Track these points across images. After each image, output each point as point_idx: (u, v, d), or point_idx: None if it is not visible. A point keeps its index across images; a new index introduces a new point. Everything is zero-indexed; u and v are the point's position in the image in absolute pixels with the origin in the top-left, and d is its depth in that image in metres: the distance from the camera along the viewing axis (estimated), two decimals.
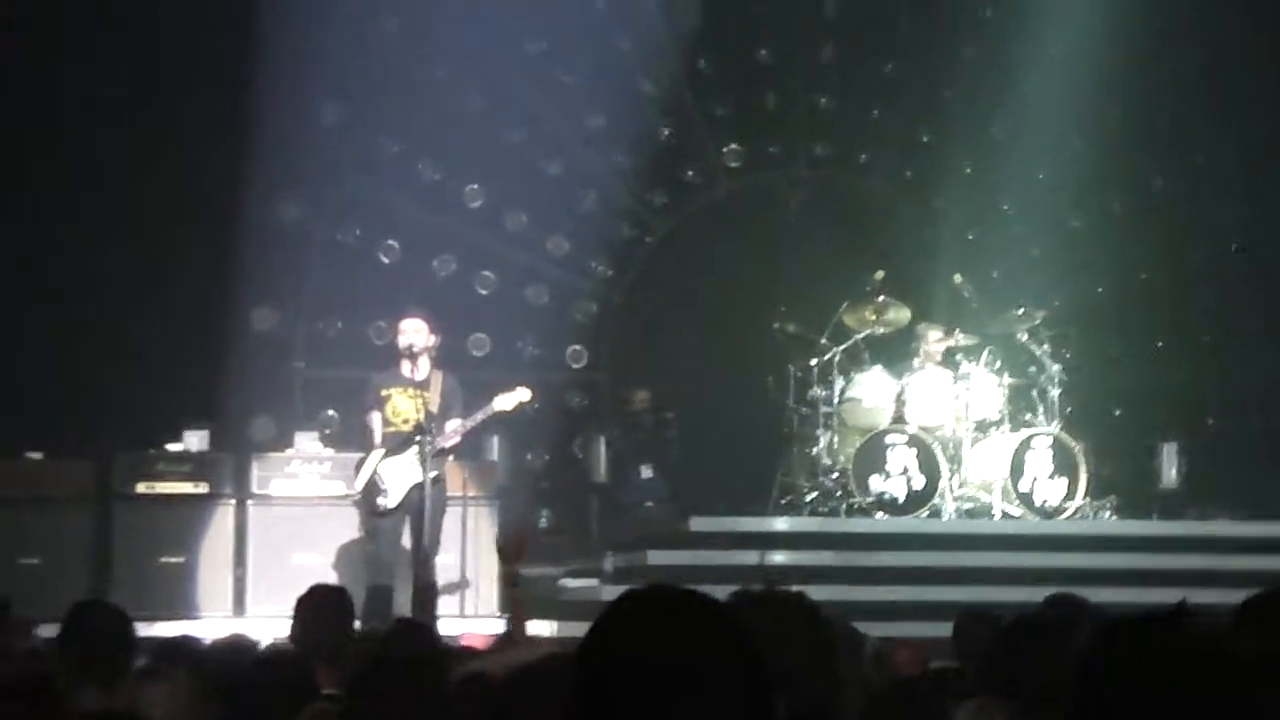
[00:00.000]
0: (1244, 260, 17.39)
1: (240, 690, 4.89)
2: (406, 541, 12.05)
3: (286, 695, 4.81)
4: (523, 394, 12.40)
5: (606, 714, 2.36)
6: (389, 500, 11.94)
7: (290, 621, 7.16)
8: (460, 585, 13.09)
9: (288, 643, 6.95)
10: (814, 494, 14.17)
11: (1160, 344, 17.76)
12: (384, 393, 12.16)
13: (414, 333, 12.12)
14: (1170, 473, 15.77)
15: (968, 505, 14.05)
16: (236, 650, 6.35)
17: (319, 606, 7.05)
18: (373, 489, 12.02)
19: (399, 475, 11.95)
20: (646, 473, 16.22)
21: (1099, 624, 2.63)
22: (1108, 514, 14.38)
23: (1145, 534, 14.19)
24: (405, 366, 12.10)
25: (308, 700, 4.81)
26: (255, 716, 4.64)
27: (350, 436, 13.36)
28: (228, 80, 14.96)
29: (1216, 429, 17.27)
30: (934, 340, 14.54)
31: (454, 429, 12.13)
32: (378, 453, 12.04)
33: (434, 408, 11.94)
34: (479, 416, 12.27)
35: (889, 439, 13.85)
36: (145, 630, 10.95)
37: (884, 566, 13.34)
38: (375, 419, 12.21)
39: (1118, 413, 17.30)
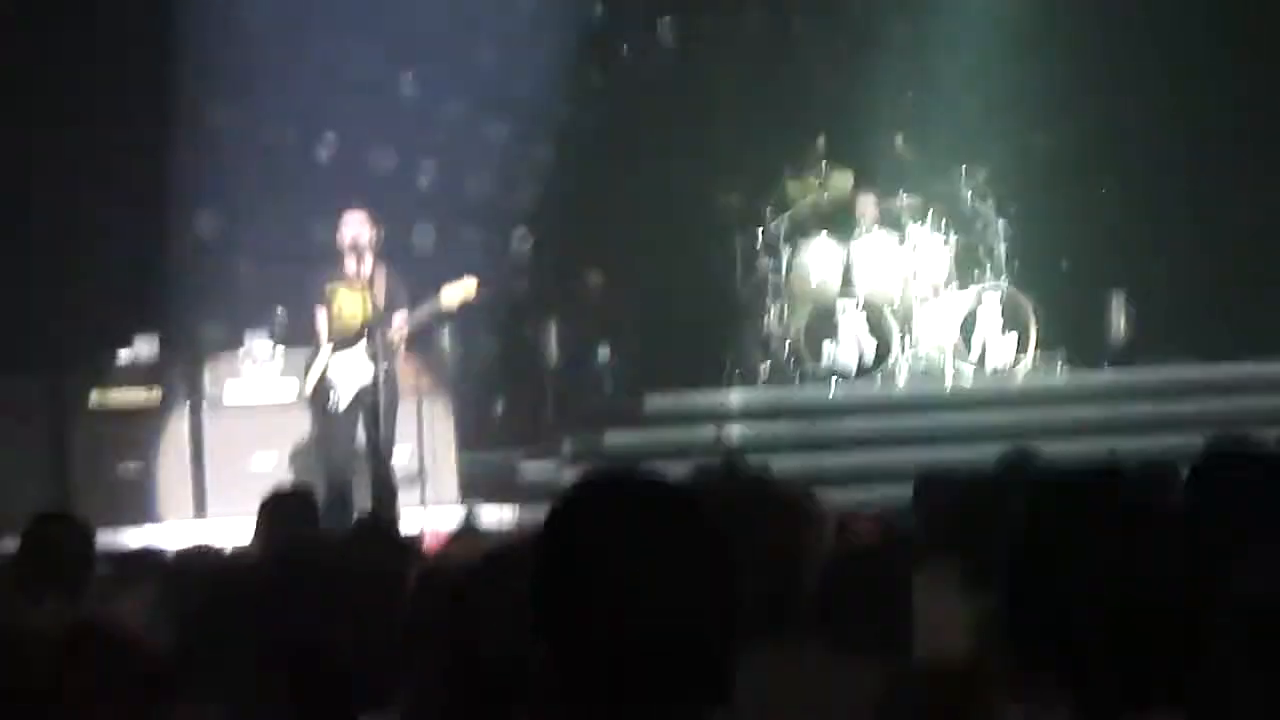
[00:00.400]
0: (1182, 106, 17.38)
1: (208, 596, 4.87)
2: (360, 437, 12.02)
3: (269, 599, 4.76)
4: (469, 284, 12.31)
5: (566, 602, 2.36)
6: (341, 399, 11.90)
7: (254, 524, 7.16)
8: (419, 476, 13.10)
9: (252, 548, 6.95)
10: (767, 365, 14.21)
11: (1104, 192, 17.77)
12: (328, 288, 12.07)
13: (356, 226, 12.02)
14: (1119, 322, 15.88)
15: (921, 367, 14.12)
16: (199, 558, 6.35)
17: (280, 510, 7.05)
18: (324, 389, 11.97)
19: (350, 373, 11.90)
20: (603, 353, 16.23)
21: (1030, 485, 2.65)
22: (1059, 366, 14.47)
23: (1096, 384, 14.32)
24: (349, 262, 12.00)
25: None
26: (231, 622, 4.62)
27: (300, 333, 13.29)
28: None
29: (1164, 276, 17.34)
30: (868, 205, 14.56)
31: (402, 324, 12.06)
32: (326, 350, 11.99)
33: (380, 303, 11.87)
34: (426, 310, 12.20)
35: (839, 306, 13.89)
36: (107, 538, 11.01)
37: (841, 433, 13.44)
38: (321, 315, 12.13)
39: (1065, 265, 17.35)
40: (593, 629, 2.34)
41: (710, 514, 2.47)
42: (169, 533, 12.18)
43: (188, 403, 13.62)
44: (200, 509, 13.41)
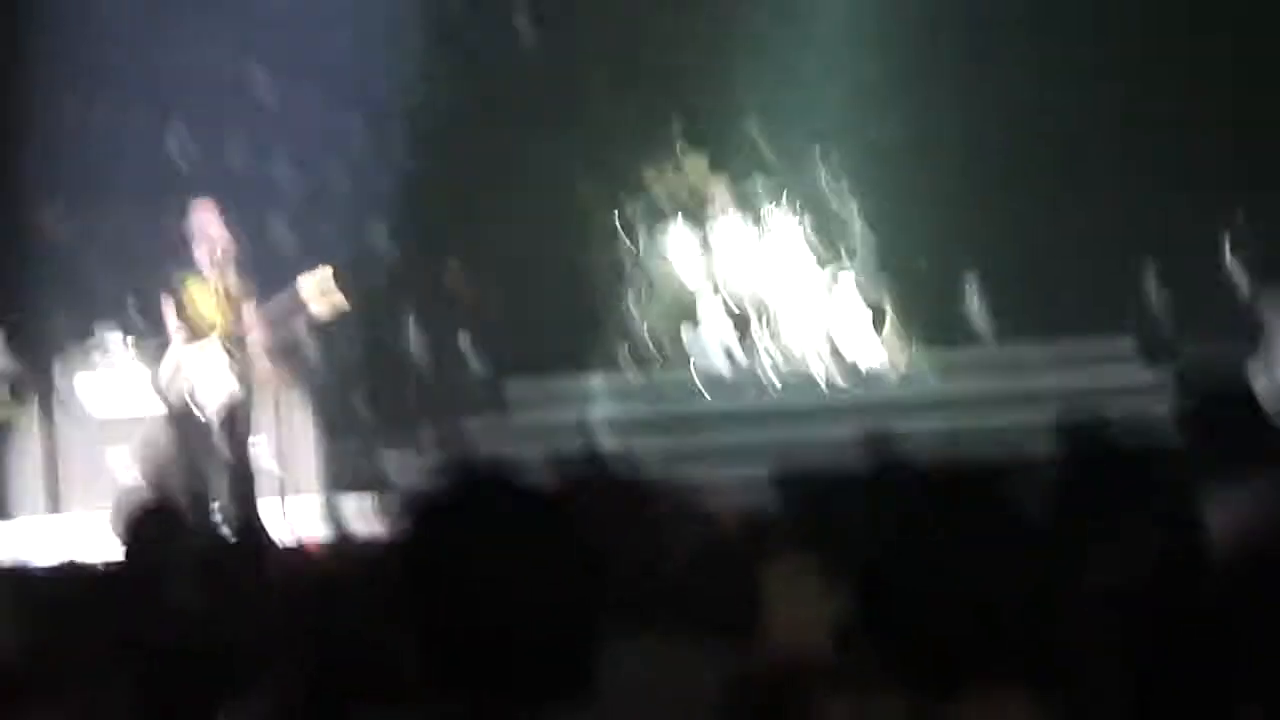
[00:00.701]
0: (1033, 87, 17.58)
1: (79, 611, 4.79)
2: (217, 430, 11.89)
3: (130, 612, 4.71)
4: (325, 274, 12.21)
5: (425, 598, 2.37)
6: (196, 391, 11.76)
7: (122, 543, 7.04)
8: (280, 469, 13.00)
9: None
10: (627, 348, 14.25)
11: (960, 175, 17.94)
12: (178, 279, 11.89)
13: (206, 217, 11.87)
14: (972, 301, 16.08)
15: (780, 347, 14.21)
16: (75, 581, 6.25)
17: (148, 526, 6.94)
18: (179, 382, 11.81)
19: (204, 366, 11.76)
20: (464, 342, 16.20)
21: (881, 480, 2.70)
22: (914, 348, 14.62)
23: (950, 361, 14.50)
24: (200, 253, 11.84)
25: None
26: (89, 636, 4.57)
27: (151, 327, 13.11)
28: None
29: (1017, 256, 17.55)
30: (720, 189, 14.65)
31: (260, 316, 11.94)
32: (179, 347, 11.81)
33: (233, 294, 11.74)
34: (283, 300, 12.09)
35: (697, 290, 13.96)
36: None
37: (700, 413, 13.51)
38: (170, 307, 11.95)
39: (920, 247, 17.51)
40: (451, 625, 2.35)
41: (567, 506, 2.49)
42: (23, 528, 12.03)
43: (37, 396, 13.41)
44: (54, 504, 13.21)
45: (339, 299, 12.21)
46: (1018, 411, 12.22)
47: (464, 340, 16.14)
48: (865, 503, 4.05)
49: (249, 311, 11.86)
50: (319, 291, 12.30)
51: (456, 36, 17.24)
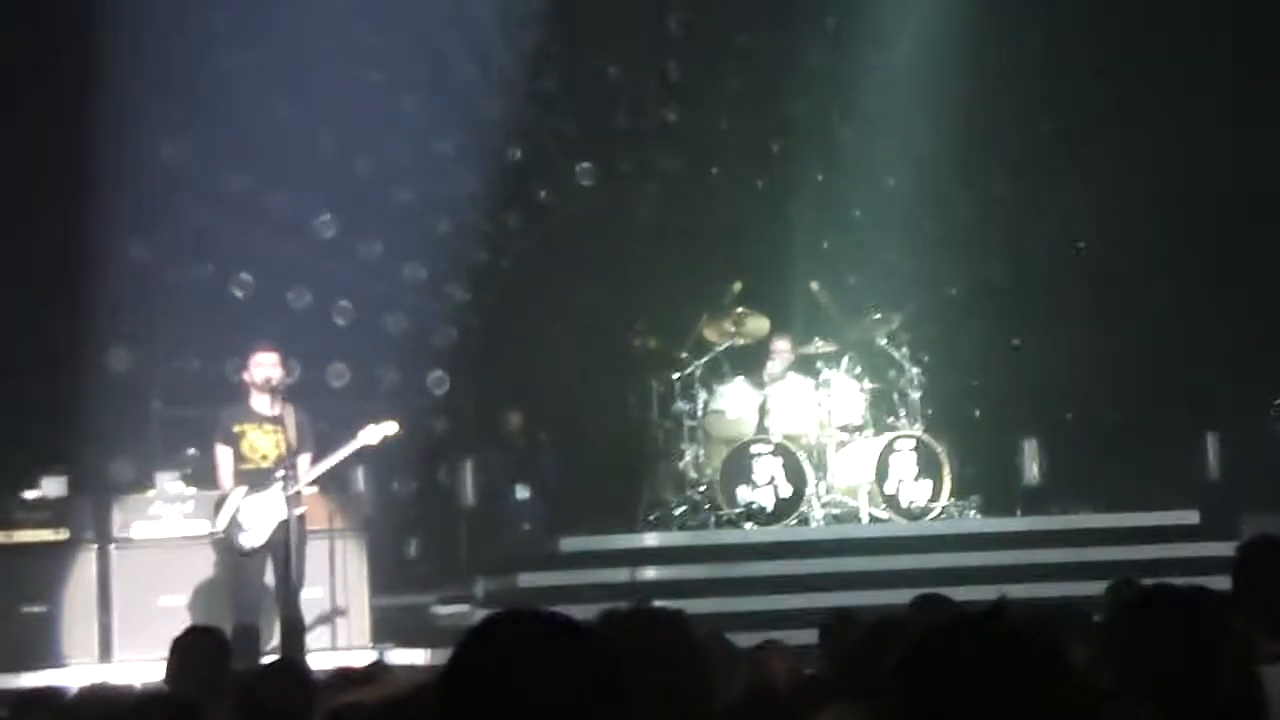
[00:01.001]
0: (1089, 256, 17.65)
1: None
2: (270, 578, 11.88)
3: None
4: (389, 427, 12.25)
5: None
6: (253, 539, 11.76)
7: (165, 663, 7.05)
8: (330, 618, 12.96)
9: (163, 685, 6.84)
10: (682, 508, 14.20)
11: (1015, 342, 17.98)
12: (237, 429, 11.94)
13: (270, 366, 11.95)
14: (1031, 469, 16.01)
15: (835, 510, 14.15)
16: (101, 698, 6.24)
17: (195, 646, 6.96)
18: (235, 528, 11.83)
19: (262, 513, 11.78)
20: (522, 494, 16.19)
21: (917, 628, 2.67)
22: (972, 513, 14.54)
23: (1010, 530, 14.37)
24: (260, 401, 11.91)
25: None
26: None
27: (210, 475, 13.17)
28: (66, 118, 14.74)
29: (1074, 423, 17.52)
30: (782, 350, 14.68)
31: (321, 464, 11.98)
32: (239, 491, 11.85)
33: (292, 442, 11.78)
34: (345, 450, 12.12)
35: (754, 449, 13.93)
36: (10, 682, 10.80)
37: (756, 576, 13.41)
38: (225, 455, 12.00)
39: (977, 412, 17.50)
40: None
41: (614, 655, 2.45)
42: (73, 677, 11.97)
43: (95, 544, 13.41)
44: (106, 652, 13.17)
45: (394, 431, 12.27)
46: (1075, 583, 12.08)
47: (521, 493, 16.14)
48: (918, 653, 3.99)
49: (302, 460, 11.89)
50: (381, 445, 12.34)
51: (519, 192, 17.42)
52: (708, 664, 4.10)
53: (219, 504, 11.94)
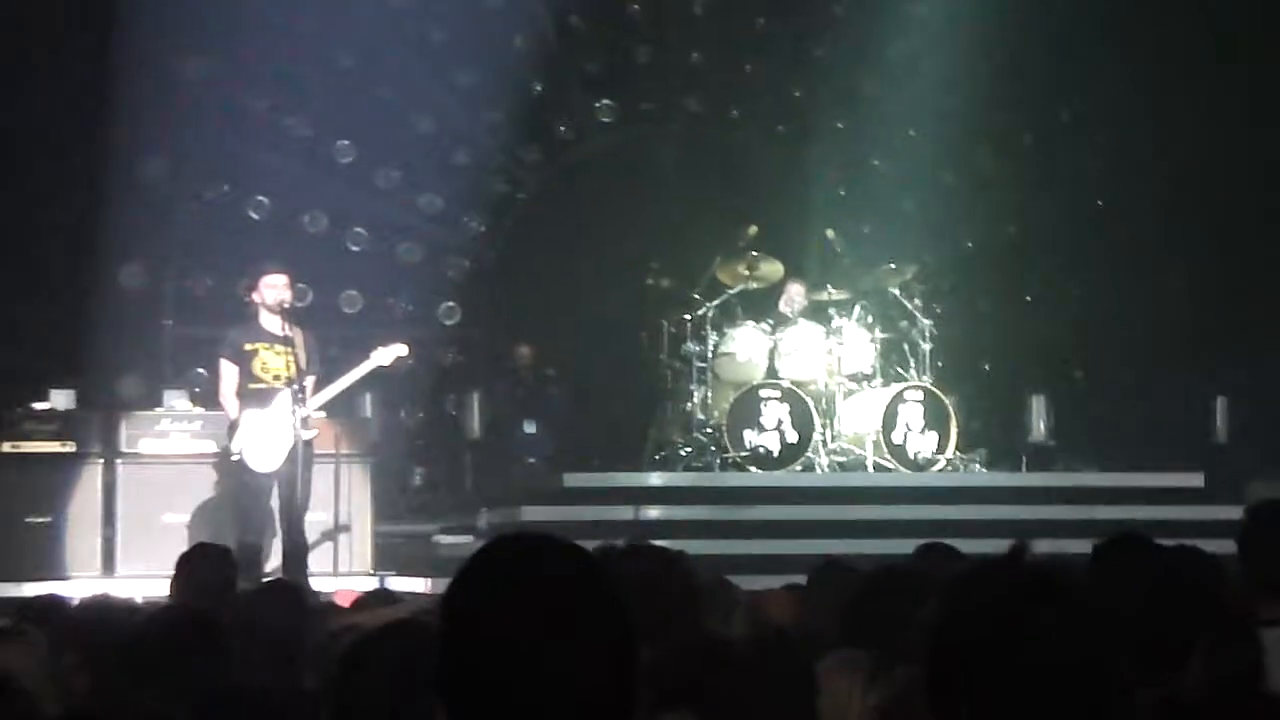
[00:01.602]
0: (1107, 214, 17.61)
1: (116, 646, 4.78)
2: (275, 500, 11.93)
3: (182, 650, 4.69)
4: (400, 349, 12.33)
5: (471, 663, 2.35)
6: (272, 460, 11.79)
7: (171, 578, 7.08)
8: (333, 543, 13.00)
9: (168, 600, 6.87)
10: (688, 449, 14.22)
11: (1028, 298, 17.96)
12: (249, 347, 11.98)
13: (282, 288, 11.98)
14: (1039, 425, 16.02)
15: (841, 459, 14.16)
16: (103, 609, 6.26)
17: (201, 563, 6.98)
18: (254, 449, 11.85)
19: (275, 435, 11.81)
20: (529, 428, 16.21)
21: (945, 578, 2.66)
22: (978, 466, 14.55)
23: (1015, 485, 14.39)
24: (270, 321, 11.94)
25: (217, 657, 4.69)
26: (141, 672, 4.54)
27: (220, 391, 13.19)
28: (89, 34, 14.70)
29: (1083, 381, 17.52)
30: (796, 294, 14.65)
31: (333, 385, 12.03)
32: (254, 411, 11.89)
33: (302, 364, 11.82)
34: (358, 371, 12.17)
35: (762, 393, 13.92)
36: (12, 591, 10.85)
37: (759, 520, 13.43)
38: (229, 372, 12.04)
39: (987, 366, 17.50)
40: (491, 693, 2.33)
41: (616, 584, 2.45)
42: (75, 589, 12.02)
43: (101, 458, 13.45)
44: (109, 565, 13.23)
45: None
46: (1078, 541, 12.08)
47: (533, 426, 16.16)
48: (918, 596, 4.00)
49: (309, 382, 11.92)
50: (393, 367, 12.39)
51: (538, 126, 17.38)
52: (699, 602, 4.11)
53: (233, 424, 11.97)
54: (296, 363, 11.76)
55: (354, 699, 3.32)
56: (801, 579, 6.67)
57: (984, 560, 2.57)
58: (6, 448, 13.33)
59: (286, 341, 11.80)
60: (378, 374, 12.72)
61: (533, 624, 2.34)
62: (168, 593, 6.87)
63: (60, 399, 13.75)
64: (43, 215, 15.00)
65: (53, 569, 12.94)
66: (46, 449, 13.38)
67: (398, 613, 5.11)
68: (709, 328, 14.33)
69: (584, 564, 2.45)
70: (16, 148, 14.95)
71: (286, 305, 11.93)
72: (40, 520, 13.20)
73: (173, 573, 6.85)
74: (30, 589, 11.04)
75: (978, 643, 2.45)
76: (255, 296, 12.00)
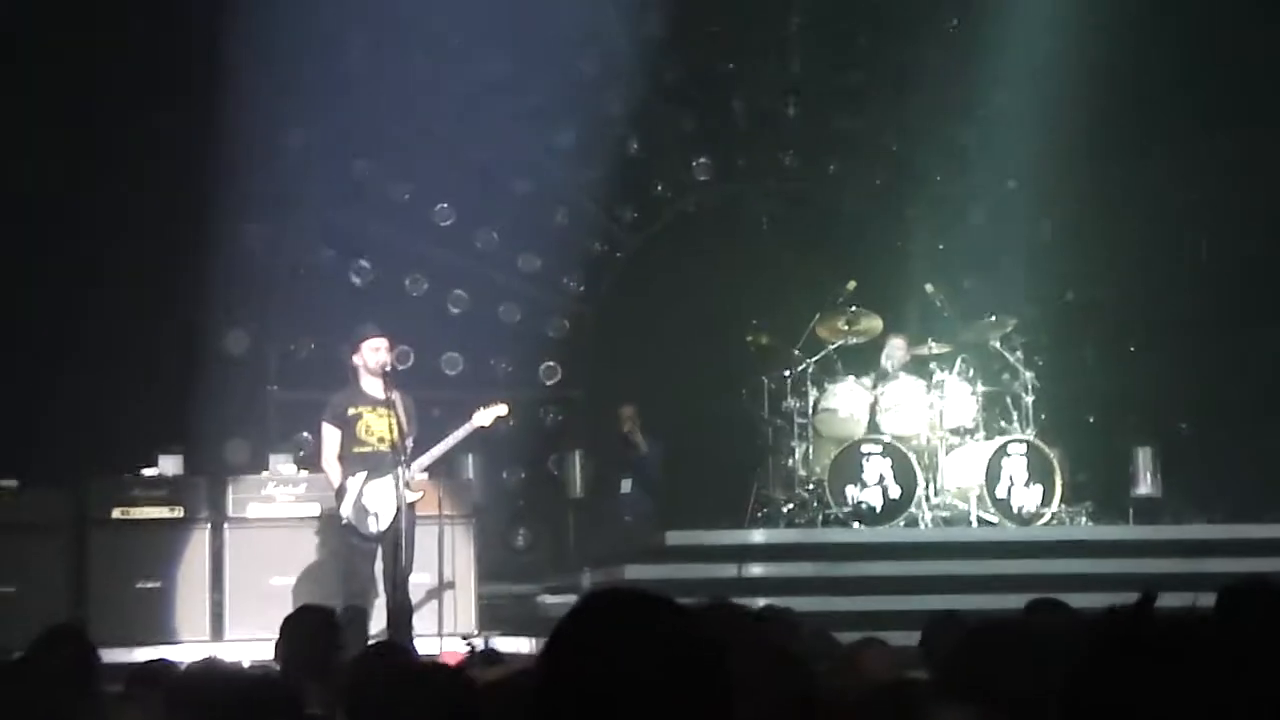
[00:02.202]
0: (1211, 265, 17.44)
1: (222, 710, 4.85)
2: (379, 563, 11.99)
3: (271, 714, 4.77)
4: (500, 409, 12.39)
5: (568, 717, 2.36)
6: (379, 523, 11.87)
7: (275, 642, 7.14)
8: (438, 604, 13.06)
9: (272, 664, 6.93)
10: (790, 505, 14.18)
11: (1131, 349, 17.80)
12: (351, 412, 12.07)
13: (384, 350, 12.09)
14: (1145, 477, 15.83)
15: (944, 513, 14.07)
16: (212, 672, 6.33)
17: (305, 626, 7.04)
18: (362, 512, 11.94)
19: (385, 497, 11.89)
20: (625, 487, 16.22)
21: (1083, 626, 2.63)
22: (1084, 520, 14.41)
23: (1121, 539, 14.23)
24: (372, 385, 12.03)
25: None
26: None
27: (324, 455, 13.30)
28: (195, 105, 14.93)
29: (1189, 433, 17.32)
30: (897, 349, 14.59)
31: (436, 448, 12.10)
32: (359, 476, 11.97)
33: (405, 426, 11.90)
34: (460, 433, 12.23)
35: (864, 449, 13.87)
36: (123, 656, 10.96)
37: (862, 576, 13.36)
38: (332, 437, 12.12)
39: (1091, 419, 17.33)
40: None
41: (713, 642, 2.45)
42: (185, 653, 12.13)
43: (209, 522, 13.60)
44: (218, 629, 13.36)
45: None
46: (1184, 595, 11.93)
47: (629, 487, 16.17)
48: (1027, 649, 3.97)
49: (419, 443, 12.00)
50: (493, 426, 12.46)
51: (633, 186, 17.46)
52: (802, 661, 4.09)
53: (341, 489, 12.05)
54: (399, 425, 11.84)
55: None
56: (905, 635, 6.64)
57: (1111, 614, 2.54)
58: (116, 514, 13.51)
59: (389, 404, 11.89)
60: (480, 435, 12.80)
61: (630, 679, 2.34)
62: (272, 656, 6.94)
63: (168, 465, 13.94)
64: (149, 282, 15.21)
65: (162, 634, 13.09)
66: (155, 514, 13.55)
67: (502, 672, 5.13)
68: (809, 384, 14.30)
69: (682, 619, 2.45)
70: (124, 216, 15.19)
71: (388, 368, 12.03)
72: (150, 585, 13.36)
73: (277, 636, 6.91)
74: (140, 654, 11.16)
75: (1121, 700, 2.42)
76: (356, 360, 12.10)
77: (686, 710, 2.35)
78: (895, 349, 14.62)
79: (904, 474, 13.82)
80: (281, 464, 14.22)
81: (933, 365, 14.41)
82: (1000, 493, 13.90)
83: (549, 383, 17.19)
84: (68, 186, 15.14)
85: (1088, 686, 2.45)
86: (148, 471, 13.84)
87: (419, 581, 12.48)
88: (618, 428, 16.41)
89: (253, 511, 13.64)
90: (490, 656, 7.01)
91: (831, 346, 14.50)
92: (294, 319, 16.21)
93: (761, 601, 8.65)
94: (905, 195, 17.88)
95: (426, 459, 12.09)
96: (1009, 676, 4.41)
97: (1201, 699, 2.38)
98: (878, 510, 13.79)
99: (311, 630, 6.86)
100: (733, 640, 3.16)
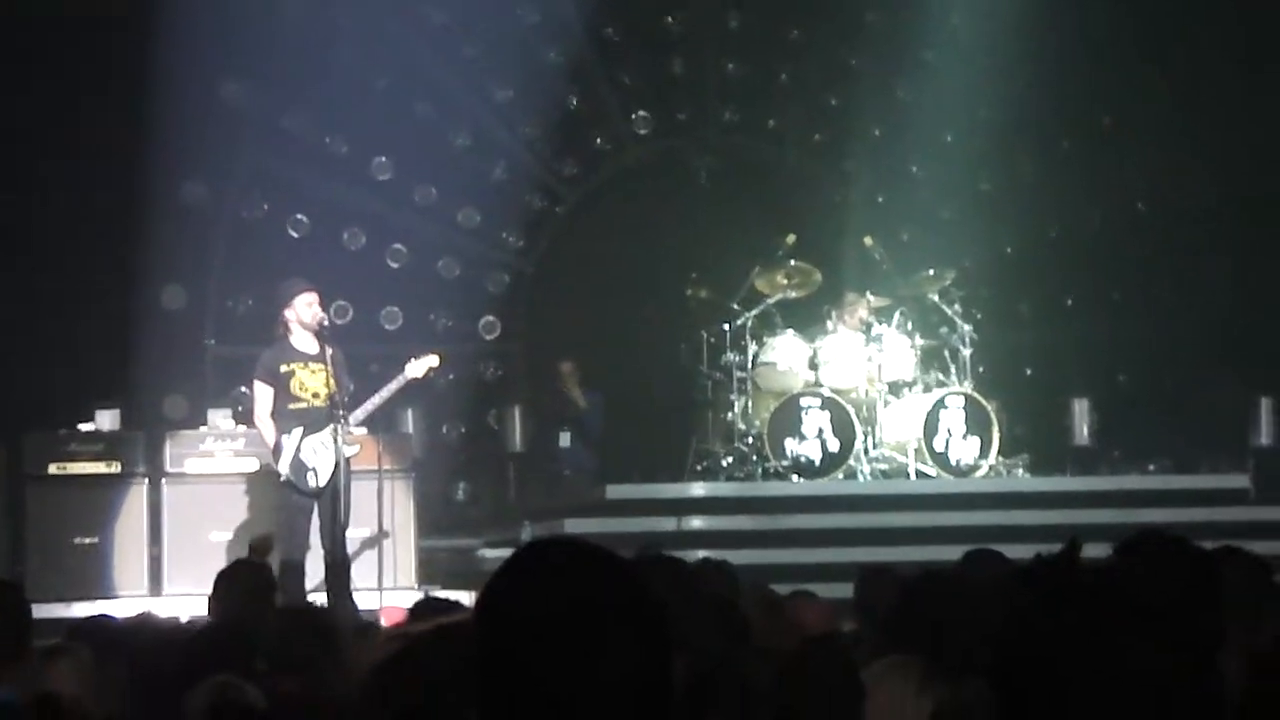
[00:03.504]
0: (1149, 217, 17.54)
1: (175, 660, 4.83)
2: (318, 517, 11.96)
3: (222, 665, 4.74)
4: (432, 361, 12.36)
5: (504, 666, 2.35)
6: (318, 478, 11.81)
7: (209, 597, 7.12)
8: (377, 558, 13.03)
9: (209, 619, 6.92)
10: (729, 459, 14.22)
11: (1069, 302, 17.90)
12: (284, 369, 11.96)
13: (318, 305, 12.00)
14: (1082, 429, 15.96)
15: (883, 466, 14.14)
16: (149, 627, 6.31)
17: (240, 582, 7.03)
18: (300, 468, 11.87)
19: (322, 452, 11.84)
20: (564, 441, 16.21)
21: (998, 582, 2.66)
22: (1021, 472, 14.52)
23: (1059, 490, 14.35)
24: (304, 340, 11.91)
25: (243, 671, 4.74)
26: (181, 689, 4.59)
27: (259, 409, 13.22)
28: (128, 59, 14.79)
29: (1126, 385, 17.45)
30: (850, 304, 14.61)
31: (370, 401, 12.06)
32: (297, 431, 11.90)
33: (339, 381, 11.82)
34: (394, 386, 12.20)
35: (803, 402, 13.91)
36: (61, 611, 10.92)
37: (801, 529, 13.43)
38: (264, 394, 12.03)
39: (1029, 371, 17.45)
40: (524, 696, 2.33)
41: (652, 593, 2.45)
42: (123, 608, 12.09)
43: (147, 478, 13.54)
44: (156, 584, 13.31)
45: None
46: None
47: (568, 441, 16.17)
48: (963, 601, 4.01)
49: (353, 397, 11.96)
50: (427, 377, 12.43)
51: (573, 140, 17.40)
52: (737, 612, 4.12)
53: (277, 444, 11.98)
54: (334, 379, 11.77)
55: (390, 698, 3.33)
56: (845, 587, 6.68)
57: (1039, 563, 2.56)
58: (53, 469, 13.43)
59: (320, 359, 11.80)
60: (418, 389, 12.77)
61: (567, 628, 2.34)
62: (207, 610, 6.93)
63: (105, 420, 13.86)
64: (84, 238, 15.09)
65: (100, 589, 13.04)
66: (92, 470, 13.48)
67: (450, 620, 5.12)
68: (748, 337, 14.33)
69: (621, 570, 2.45)
70: (58, 172, 15.06)
71: (324, 323, 11.95)
72: (87, 541, 13.30)
73: (211, 590, 6.90)
74: (79, 609, 11.13)
75: (1046, 652, 2.44)
76: (288, 314, 11.96)
77: (624, 658, 2.35)
78: (847, 304, 14.58)
79: (843, 427, 13.88)
80: (220, 419, 14.16)
81: (871, 318, 14.45)
82: (938, 445, 13.98)
83: (488, 337, 17.15)
84: (1, 140, 14.98)
85: (1012, 636, 2.47)
86: (84, 426, 13.76)
87: (358, 535, 12.45)
88: (556, 383, 16.40)
89: (191, 467, 13.59)
90: (439, 605, 6.99)
91: (770, 300, 14.51)
92: (231, 274, 16.10)
93: (700, 554, 8.67)
94: (844, 149, 17.88)
95: (361, 413, 12.05)
96: (947, 627, 4.44)
97: (1113, 645, 2.40)
98: (816, 463, 13.85)
99: (245, 583, 6.85)
100: (671, 590, 3.17)
